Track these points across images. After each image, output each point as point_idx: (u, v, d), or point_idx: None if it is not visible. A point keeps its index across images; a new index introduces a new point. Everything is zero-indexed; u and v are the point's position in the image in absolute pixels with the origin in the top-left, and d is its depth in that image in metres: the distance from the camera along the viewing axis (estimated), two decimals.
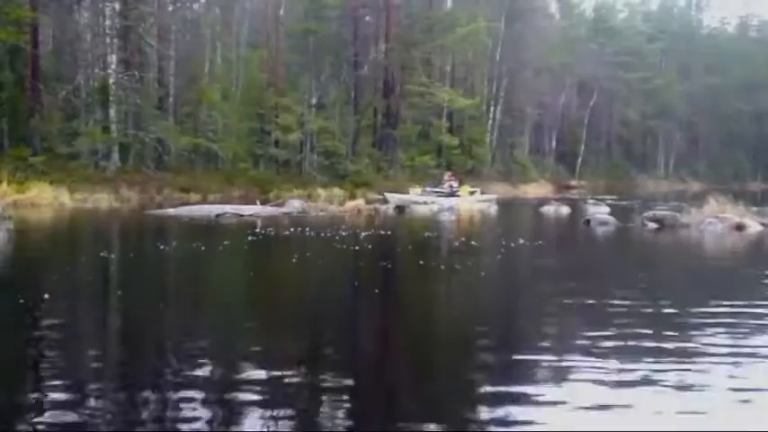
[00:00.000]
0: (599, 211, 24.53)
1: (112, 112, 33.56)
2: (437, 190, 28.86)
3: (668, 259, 13.82)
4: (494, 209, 27.47)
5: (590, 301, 8.00)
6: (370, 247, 14.01)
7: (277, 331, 6.77)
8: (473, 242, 14.15)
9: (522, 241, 14.13)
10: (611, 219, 20.50)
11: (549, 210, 27.08)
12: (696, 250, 15.23)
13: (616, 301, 8.01)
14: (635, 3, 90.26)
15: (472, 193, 28.98)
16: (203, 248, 12.77)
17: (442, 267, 10.77)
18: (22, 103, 32.95)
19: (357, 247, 13.26)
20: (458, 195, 28.10)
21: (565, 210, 26.92)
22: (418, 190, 29.38)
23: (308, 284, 9.84)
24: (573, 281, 9.67)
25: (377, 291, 9.17)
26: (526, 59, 58.82)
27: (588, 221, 20.46)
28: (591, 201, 30.58)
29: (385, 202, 25.48)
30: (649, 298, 8.32)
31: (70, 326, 6.86)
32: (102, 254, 11.34)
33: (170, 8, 39.28)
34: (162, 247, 12.68)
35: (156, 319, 7.15)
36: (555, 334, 6.63)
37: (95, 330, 6.86)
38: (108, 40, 34.03)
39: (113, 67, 33.65)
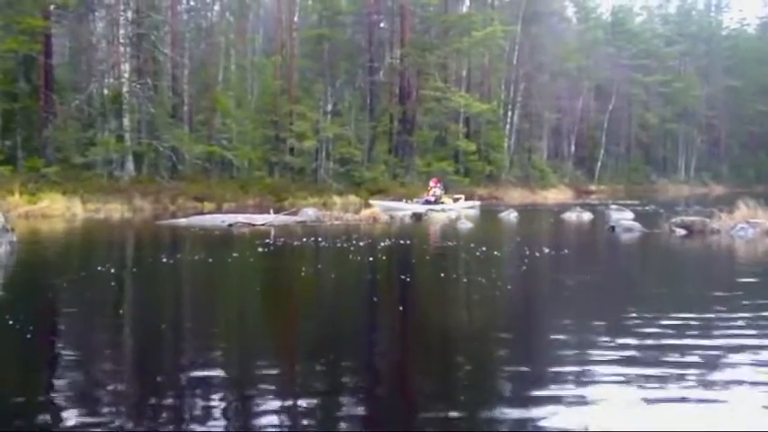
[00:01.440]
0: (623, 218, 23.75)
1: (126, 120, 33.29)
2: (427, 198, 28.19)
3: (704, 268, 13.03)
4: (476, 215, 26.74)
5: (631, 320, 7.28)
6: (386, 257, 13.44)
7: (288, 356, 6.16)
8: (495, 252, 13.48)
9: (546, 250, 13.42)
10: (637, 225, 19.76)
11: (570, 216, 26.34)
12: (730, 257, 14.48)
13: (663, 320, 7.26)
14: (653, 5, 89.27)
15: (456, 200, 28.30)
16: (210, 261, 12.20)
17: (465, 280, 10.07)
18: (36, 113, 32.77)
19: (373, 258, 12.67)
20: (442, 203, 27.45)
21: (587, 216, 26.17)
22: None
23: (321, 301, 9.16)
24: (607, 294, 8.98)
25: (398, 307, 8.57)
26: (543, 63, 58.15)
27: (613, 228, 19.75)
28: (614, 206, 29.83)
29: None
30: (697, 310, 7.73)
31: (66, 347, 6.32)
32: (100, 268, 10.73)
33: (184, 16, 38.95)
34: (165, 260, 12.11)
35: (153, 341, 6.60)
36: (600, 358, 5.90)
37: (90, 357, 6.28)
38: (121, 48, 33.69)
39: (126, 75, 33.35)
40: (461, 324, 7.60)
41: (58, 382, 5.42)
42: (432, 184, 28.42)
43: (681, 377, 5.27)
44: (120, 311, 8.05)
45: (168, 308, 8.60)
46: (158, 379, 5.43)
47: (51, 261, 13.10)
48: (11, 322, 6.90)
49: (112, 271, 10.59)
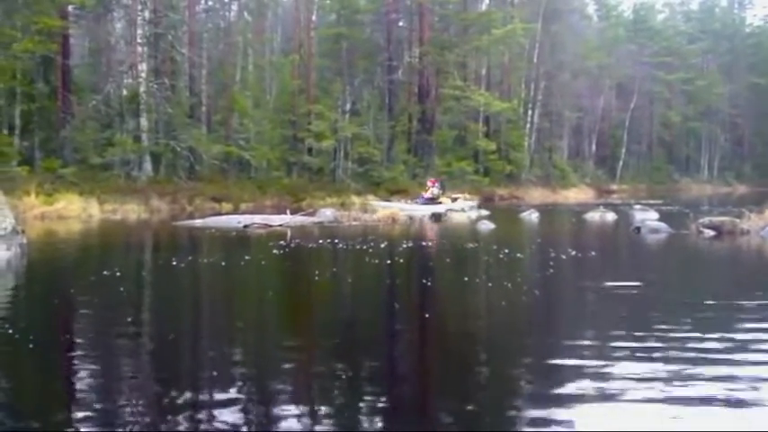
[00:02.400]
0: (648, 218, 23.21)
1: (143, 121, 33.10)
2: (426, 197, 27.65)
3: (742, 271, 12.45)
4: (475, 214, 26.13)
5: (677, 332, 6.79)
6: (406, 260, 12.97)
7: (303, 368, 5.74)
8: (518, 254, 13.00)
9: (572, 252, 12.86)
10: (663, 226, 19.20)
11: (593, 216, 25.79)
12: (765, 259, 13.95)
13: (710, 333, 6.73)
14: (675, 2, 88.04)
15: (455, 199, 27.77)
16: (223, 263, 11.83)
17: (490, 285, 9.54)
18: (54, 114, 32.68)
19: (392, 261, 12.19)
20: (440, 203, 26.93)
21: (610, 216, 25.62)
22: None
23: (336, 308, 8.65)
24: (644, 303, 8.30)
25: (422, 314, 8.05)
26: (564, 61, 57.47)
27: (638, 229, 19.20)
28: (637, 206, 29.21)
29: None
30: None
31: (70, 355, 5.95)
32: (106, 273, 10.32)
33: (202, 16, 38.74)
34: (175, 263, 11.72)
35: (159, 354, 6.22)
36: (643, 376, 5.39)
37: (94, 365, 5.91)
38: (139, 48, 33.50)
39: (144, 75, 33.15)
40: (489, 334, 7.07)
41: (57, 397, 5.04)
42: (429, 183, 27.92)
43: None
44: (123, 319, 7.66)
45: (172, 316, 8.14)
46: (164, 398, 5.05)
47: (61, 264, 12.78)
48: (11, 330, 6.55)
49: (119, 275, 10.25)
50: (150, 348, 6.57)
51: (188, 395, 5.09)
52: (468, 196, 32.88)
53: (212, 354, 6.24)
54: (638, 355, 5.93)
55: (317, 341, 6.80)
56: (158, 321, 7.72)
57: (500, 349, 6.36)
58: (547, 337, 6.91)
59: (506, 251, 13.22)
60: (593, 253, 13.19)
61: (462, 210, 27.10)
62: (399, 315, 8.11)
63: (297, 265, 12.56)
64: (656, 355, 5.91)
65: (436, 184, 27.69)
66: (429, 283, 9.94)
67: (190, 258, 12.24)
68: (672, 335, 6.67)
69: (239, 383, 5.31)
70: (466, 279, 10.18)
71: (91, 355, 6.31)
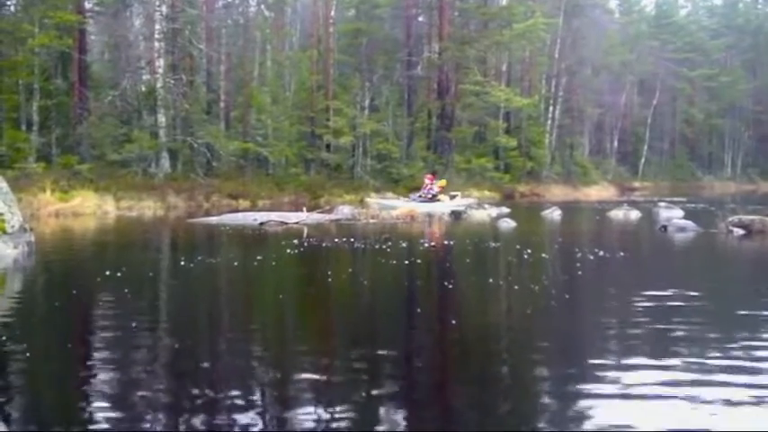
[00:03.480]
0: (674, 216, 22.63)
1: (161, 117, 32.86)
2: (422, 194, 27.01)
3: None
4: (495, 212, 25.46)
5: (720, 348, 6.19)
6: (426, 261, 12.49)
7: (313, 382, 5.28)
8: (543, 254, 12.47)
9: (600, 252, 12.28)
10: (691, 224, 18.58)
11: (617, 214, 25.24)
12: None
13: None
14: None
15: (453, 197, 27.15)
16: (235, 263, 11.40)
17: (516, 287, 8.95)
18: (72, 110, 32.53)
19: (411, 261, 11.72)
20: (438, 200, 26.29)
21: (634, 214, 25.04)
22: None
23: (350, 312, 8.11)
24: (693, 313, 7.54)
25: (443, 320, 7.50)
26: (585, 57, 56.74)
27: (665, 227, 18.59)
28: (662, 204, 28.56)
29: (367, 207, 23.80)
30: None
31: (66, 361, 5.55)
32: (108, 272, 9.93)
33: (221, 11, 38.43)
34: (183, 263, 11.31)
35: (167, 358, 5.80)
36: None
37: (91, 372, 5.49)
38: (156, 44, 33.24)
39: (161, 71, 32.88)
40: (518, 344, 6.47)
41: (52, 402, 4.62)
42: (427, 180, 27.23)
43: None
44: (123, 323, 7.24)
45: (175, 320, 7.67)
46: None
47: (68, 263, 12.40)
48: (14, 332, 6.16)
49: (123, 275, 9.86)
50: (157, 352, 6.19)
51: (200, 397, 4.76)
52: (468, 194, 32.41)
53: (221, 359, 5.82)
54: (707, 384, 5.09)
55: (326, 349, 6.31)
56: (159, 326, 7.27)
57: (530, 363, 5.82)
58: (581, 353, 6.24)
59: (529, 251, 12.71)
60: (622, 253, 12.59)
61: (467, 205, 26.52)
62: (420, 323, 7.51)
63: (310, 265, 12.06)
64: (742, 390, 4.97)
65: (434, 181, 27.03)
66: (450, 286, 9.33)
67: (199, 258, 11.75)
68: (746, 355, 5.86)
69: (251, 387, 4.89)
70: (490, 281, 9.62)
71: (95, 358, 5.98)
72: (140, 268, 11.19)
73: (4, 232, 11.58)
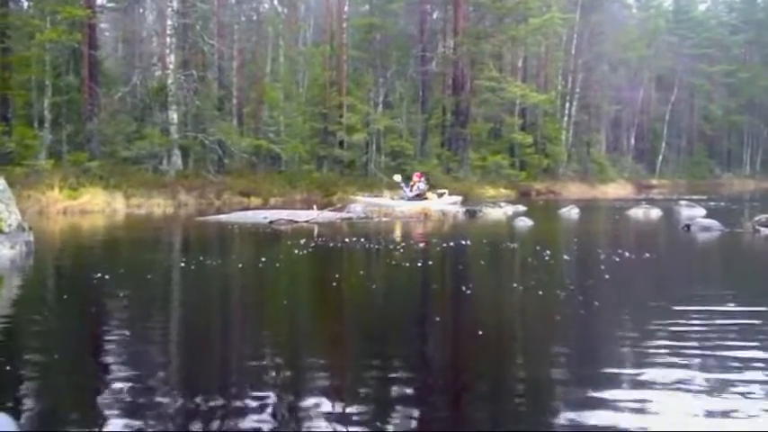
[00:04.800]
0: (696, 215, 21.97)
1: (172, 113, 32.45)
2: (410, 192, 26.19)
3: None
4: (511, 210, 24.74)
5: None
6: (442, 262, 11.88)
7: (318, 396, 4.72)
8: (564, 256, 11.83)
9: (625, 254, 11.59)
10: (715, 224, 17.88)
11: (637, 213, 24.58)
12: None
13: None
14: None
15: (440, 195, 26.43)
16: (240, 265, 10.83)
17: (540, 293, 8.21)
18: (82, 107, 32.20)
19: (425, 263, 11.08)
20: (426, 198, 25.54)
21: (654, 212, 24.36)
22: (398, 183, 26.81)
23: (361, 323, 7.37)
24: (728, 319, 6.90)
25: (470, 332, 6.71)
26: (602, 53, 55.96)
27: (688, 227, 17.90)
28: (683, 203, 27.83)
29: (337, 207, 23.09)
30: None
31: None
32: (98, 275, 9.38)
33: (234, 6, 37.98)
34: (183, 264, 10.75)
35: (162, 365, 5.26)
36: None
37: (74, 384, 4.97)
38: (167, 39, 32.81)
39: (172, 67, 32.45)
40: (549, 358, 5.73)
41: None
42: (415, 178, 26.44)
43: None
44: (113, 329, 6.73)
45: (169, 326, 7.15)
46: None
47: (67, 264, 11.92)
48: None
49: (119, 278, 9.35)
50: (150, 360, 5.66)
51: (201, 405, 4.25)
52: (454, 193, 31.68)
53: (215, 370, 5.28)
54: None
55: (332, 365, 5.74)
56: (150, 333, 6.72)
57: (561, 381, 5.24)
58: (615, 365, 5.62)
59: (549, 252, 12.10)
60: (647, 254, 11.91)
61: (453, 204, 25.79)
62: (438, 334, 6.83)
63: (318, 268, 11.45)
64: None
65: (422, 179, 26.28)
66: (468, 291, 8.64)
67: (201, 259, 11.20)
68: None
69: (255, 396, 4.35)
70: (513, 285, 8.94)
71: (81, 365, 5.55)
72: (138, 270, 10.65)
73: (1, 231, 11.09)
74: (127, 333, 6.71)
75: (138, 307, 7.94)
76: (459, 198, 27.79)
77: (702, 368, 5.25)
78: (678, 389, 4.78)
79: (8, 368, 5.28)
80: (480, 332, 6.36)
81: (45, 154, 28.94)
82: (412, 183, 25.99)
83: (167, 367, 5.59)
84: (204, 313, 7.76)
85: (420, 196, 25.51)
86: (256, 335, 6.76)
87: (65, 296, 8.81)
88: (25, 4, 33.57)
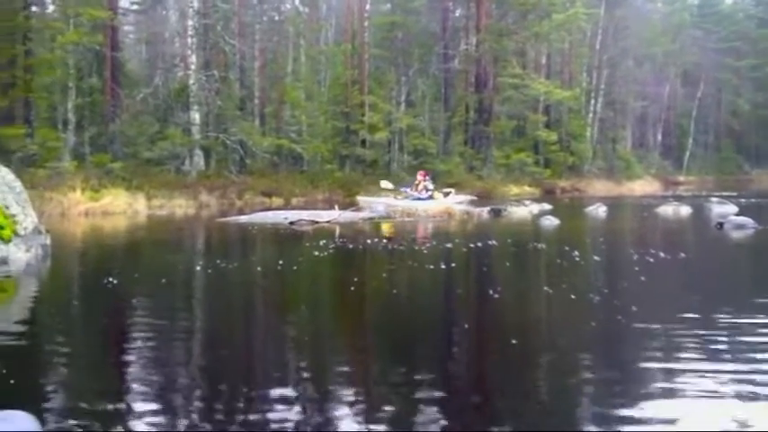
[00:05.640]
0: (728, 212, 21.39)
1: (193, 114, 32.33)
2: (417, 192, 25.56)
3: None
4: (537, 208, 24.15)
5: None
6: (467, 264, 11.49)
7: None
8: (595, 256, 11.39)
9: (659, 253, 11.07)
10: (749, 221, 17.33)
11: (666, 210, 23.98)
12: None
13: None
14: None
15: (446, 194, 25.82)
16: (259, 268, 10.54)
17: (573, 297, 7.77)
18: (105, 108, 32.23)
19: (450, 265, 10.72)
20: (431, 197, 24.91)
21: (684, 210, 23.75)
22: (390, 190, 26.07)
23: (384, 329, 6.92)
24: None
25: (502, 340, 6.28)
26: (627, 48, 55.13)
27: (721, 225, 17.36)
28: (714, 199, 27.18)
29: (359, 207, 22.59)
30: None
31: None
32: (121, 279, 9.21)
33: (256, 6, 37.79)
34: (199, 268, 10.44)
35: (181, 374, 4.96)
36: None
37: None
38: (189, 40, 32.69)
39: (194, 67, 32.32)
40: (589, 371, 5.34)
41: None
42: (420, 177, 25.82)
43: None
44: (124, 336, 6.44)
45: (182, 333, 6.82)
46: None
47: (82, 268, 11.71)
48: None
49: (132, 282, 9.07)
50: (170, 361, 5.49)
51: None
52: (462, 193, 31.15)
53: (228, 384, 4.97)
54: None
55: (352, 379, 5.38)
56: (163, 340, 6.41)
57: (605, 400, 4.84)
58: (665, 380, 5.20)
59: (578, 252, 11.68)
60: (683, 254, 11.45)
61: (460, 203, 25.16)
62: (468, 343, 6.41)
63: (338, 270, 11.09)
64: None
65: (427, 178, 25.71)
66: (497, 295, 8.15)
67: (218, 261, 10.89)
68: None
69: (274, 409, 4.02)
70: (546, 288, 8.48)
71: (100, 365, 5.48)
72: (153, 274, 10.40)
73: (17, 234, 10.88)
74: (137, 337, 6.44)
75: (148, 313, 7.67)
76: (467, 197, 27.23)
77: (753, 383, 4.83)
78: (734, 404, 4.38)
79: (28, 370, 5.30)
80: (514, 341, 5.95)
81: (69, 156, 28.94)
82: (417, 182, 25.50)
83: (183, 371, 5.43)
84: (215, 320, 7.44)
85: (431, 195, 25.04)
86: (268, 343, 6.43)
87: (76, 301, 8.58)
88: (50, 8, 33.63)
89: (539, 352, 5.92)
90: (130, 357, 5.81)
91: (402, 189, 25.68)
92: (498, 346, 6.11)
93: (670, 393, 4.65)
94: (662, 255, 11.02)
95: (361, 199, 25.40)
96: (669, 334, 6.24)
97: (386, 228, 18.14)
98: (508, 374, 5.29)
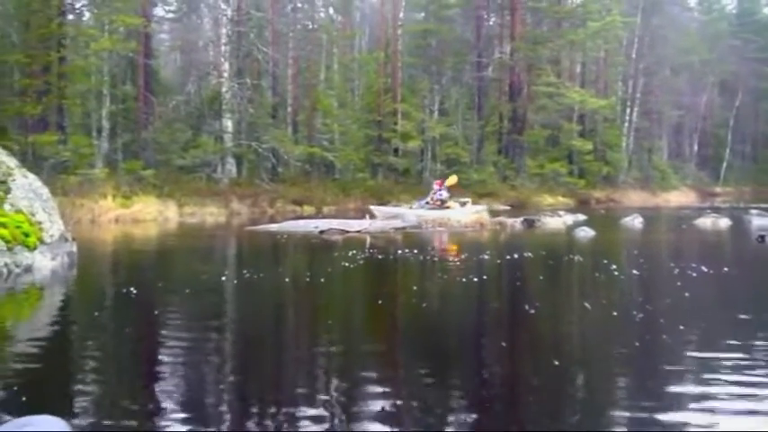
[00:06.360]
0: None
1: (226, 121, 32.34)
2: (427, 201, 25.02)
3: None
4: (571, 219, 23.59)
5: None
6: (502, 277, 11.12)
7: None
8: (634, 270, 10.96)
9: (701, 267, 10.62)
10: None
11: (704, 222, 23.34)
12: None
13: None
14: None
15: (463, 204, 25.25)
16: (286, 280, 10.27)
17: (614, 314, 7.37)
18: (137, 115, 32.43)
19: (484, 278, 10.33)
20: (447, 207, 24.33)
21: (723, 222, 23.10)
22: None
23: (415, 350, 6.45)
24: None
25: (544, 361, 5.84)
26: (664, 57, 54.27)
27: (762, 237, 16.80)
28: (754, 211, 26.47)
29: (372, 216, 22.15)
30: None
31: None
32: (144, 290, 9.08)
33: (289, 14, 37.75)
34: (224, 278, 10.17)
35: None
36: None
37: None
38: (222, 48, 32.74)
39: (227, 75, 32.34)
40: (637, 399, 4.93)
41: None
42: (435, 186, 25.33)
43: None
44: (144, 353, 6.19)
45: (197, 352, 6.50)
46: None
47: (108, 277, 11.54)
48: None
49: (155, 293, 8.85)
50: (194, 372, 5.25)
51: None
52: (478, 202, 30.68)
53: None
54: None
55: (375, 400, 5.06)
56: (185, 354, 6.14)
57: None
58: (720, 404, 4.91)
59: (616, 266, 11.27)
60: (726, 269, 10.99)
61: (477, 213, 24.62)
62: (501, 362, 6.06)
63: (367, 283, 10.75)
64: None
65: (443, 187, 25.24)
66: (533, 311, 7.69)
67: (244, 272, 10.62)
68: None
69: None
70: (587, 305, 7.95)
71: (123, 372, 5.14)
72: (176, 284, 10.17)
73: (42, 242, 10.72)
74: (157, 346, 6.24)
75: (171, 323, 7.46)
76: (483, 207, 26.77)
77: None
78: None
79: (56, 376, 5.39)
80: (555, 362, 5.57)
81: (101, 163, 29.05)
82: (433, 191, 25.13)
83: (208, 378, 5.37)
84: (241, 332, 7.18)
85: (441, 204, 24.63)
86: (287, 359, 6.12)
87: (99, 309, 8.35)
88: (86, 15, 33.90)
89: (580, 375, 5.52)
90: (154, 365, 5.77)
91: (417, 203, 25.35)
92: (536, 368, 5.71)
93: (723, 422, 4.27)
94: (704, 269, 10.56)
95: (374, 208, 25.04)
96: (722, 359, 5.75)
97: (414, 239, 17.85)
98: (550, 399, 4.94)
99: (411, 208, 24.85)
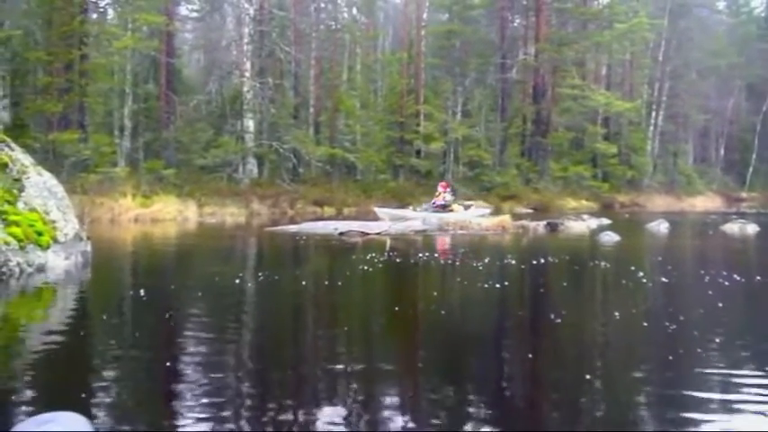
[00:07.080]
0: None
1: (247, 121, 32.25)
2: (437, 204, 24.67)
3: None
4: (595, 223, 23.12)
5: None
6: (525, 284, 10.79)
7: None
8: (662, 278, 10.57)
9: (733, 276, 10.16)
10: None
11: (732, 228, 22.78)
12: None
13: None
14: None
15: (467, 207, 24.83)
16: (303, 283, 10.02)
17: (645, 324, 7.03)
18: (159, 114, 32.45)
19: (506, 285, 10.02)
20: (451, 210, 23.95)
21: (751, 228, 22.54)
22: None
23: (435, 363, 6.01)
24: None
25: (574, 379, 5.43)
26: (691, 60, 53.59)
27: None
28: None
29: (376, 217, 21.83)
30: None
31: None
32: (156, 292, 8.91)
33: (312, 14, 37.61)
34: (238, 281, 9.84)
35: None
36: None
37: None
38: (244, 47, 32.65)
39: (248, 74, 32.24)
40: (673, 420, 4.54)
41: None
42: (440, 188, 24.98)
43: None
44: (153, 359, 5.95)
45: (209, 359, 6.24)
46: None
47: (121, 277, 11.34)
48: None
49: (168, 295, 8.66)
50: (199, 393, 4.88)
51: None
52: (482, 203, 30.35)
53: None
54: None
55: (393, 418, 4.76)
56: (197, 361, 5.88)
57: None
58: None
59: (644, 272, 10.91)
60: (758, 277, 10.59)
61: (481, 216, 24.22)
62: (530, 377, 5.71)
63: (386, 288, 10.46)
64: None
65: (448, 190, 24.88)
66: (559, 320, 7.29)
67: (260, 274, 10.37)
68: None
69: None
70: (614, 314, 7.61)
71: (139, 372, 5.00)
72: (189, 286, 9.95)
73: (56, 241, 10.54)
74: (170, 347, 5.96)
75: (181, 324, 7.23)
76: (488, 210, 26.42)
77: None
78: None
79: (75, 373, 5.48)
80: (587, 376, 5.24)
81: (123, 161, 29.05)
82: (437, 193, 24.82)
83: (227, 379, 5.34)
84: (256, 334, 6.94)
85: (445, 207, 24.34)
86: (300, 364, 5.84)
87: (112, 309, 8.19)
88: (110, 13, 33.99)
89: (615, 393, 5.15)
90: (170, 364, 5.70)
91: (423, 206, 25.12)
92: (565, 384, 5.36)
93: None
94: (736, 277, 10.16)
95: (378, 210, 24.80)
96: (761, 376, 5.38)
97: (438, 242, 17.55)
98: (579, 418, 4.63)
99: (416, 210, 24.68)
